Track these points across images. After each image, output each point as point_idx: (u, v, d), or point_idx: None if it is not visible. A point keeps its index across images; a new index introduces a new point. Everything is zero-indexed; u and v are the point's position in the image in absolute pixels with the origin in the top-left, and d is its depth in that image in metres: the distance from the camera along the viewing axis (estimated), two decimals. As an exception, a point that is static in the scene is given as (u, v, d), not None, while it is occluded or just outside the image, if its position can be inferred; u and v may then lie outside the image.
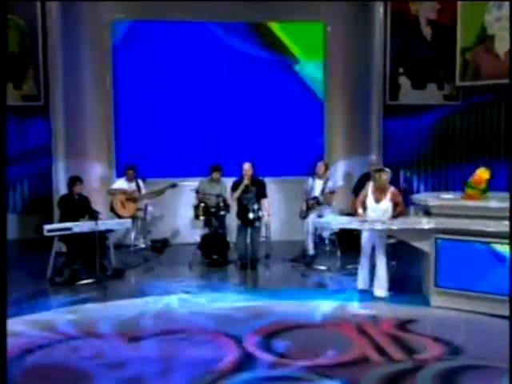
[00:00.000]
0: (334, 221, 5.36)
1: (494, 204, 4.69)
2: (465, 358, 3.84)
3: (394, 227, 4.94)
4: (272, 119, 8.36)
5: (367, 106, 8.15)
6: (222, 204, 6.91)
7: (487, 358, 3.76)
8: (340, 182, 8.12)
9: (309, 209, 6.67)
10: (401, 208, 5.20)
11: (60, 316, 4.81)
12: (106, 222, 6.15)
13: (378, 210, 5.22)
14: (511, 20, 7.00)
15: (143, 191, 7.32)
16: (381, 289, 5.25)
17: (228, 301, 5.23)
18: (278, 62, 8.31)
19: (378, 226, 5.00)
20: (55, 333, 4.39)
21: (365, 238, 5.37)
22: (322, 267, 6.53)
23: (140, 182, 7.37)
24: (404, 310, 4.87)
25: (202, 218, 7.03)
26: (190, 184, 7.77)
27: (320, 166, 6.94)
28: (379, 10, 8.06)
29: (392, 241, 5.47)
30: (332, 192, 6.78)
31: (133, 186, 7.29)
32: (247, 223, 6.50)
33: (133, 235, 7.35)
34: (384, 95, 8.26)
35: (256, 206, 6.47)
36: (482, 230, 4.62)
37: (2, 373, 2.97)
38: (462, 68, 8.07)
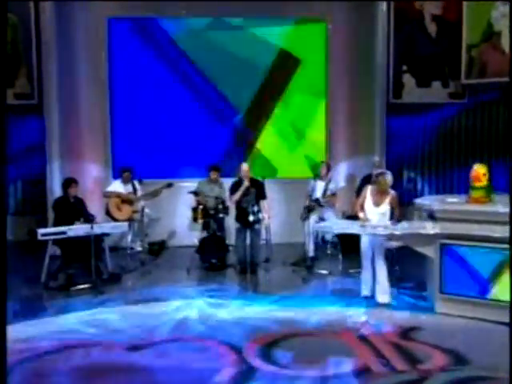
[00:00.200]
0: (335, 225, 5.33)
1: (500, 208, 4.66)
2: (471, 369, 3.82)
3: (398, 232, 4.92)
4: (272, 118, 8.34)
5: (370, 104, 8.11)
6: (220, 206, 6.90)
7: (494, 369, 3.73)
8: (342, 183, 8.12)
9: (310, 210, 6.65)
10: (398, 212, 5.22)
11: (55, 323, 4.80)
12: (101, 226, 6.13)
13: (376, 213, 5.22)
14: (511, 20, 6.97)
15: (139, 193, 7.29)
16: (383, 295, 5.24)
17: (227, 307, 5.21)
18: (278, 60, 8.27)
19: (381, 231, 4.97)
20: (50, 341, 4.37)
21: (364, 242, 5.36)
22: (324, 271, 6.51)
23: (136, 183, 7.34)
24: (408, 317, 4.87)
25: (200, 220, 7.03)
26: (188, 185, 7.78)
27: (322, 167, 6.92)
28: (382, 6, 8.02)
29: (395, 245, 5.44)
30: (333, 194, 6.76)
31: (129, 187, 7.26)
32: (247, 226, 6.49)
33: (129, 238, 7.32)
34: (387, 93, 8.23)
35: (256, 208, 6.45)
36: (488, 236, 4.60)
37: (2, 373, 3.00)
38: (468, 65, 8.02)
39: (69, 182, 6.37)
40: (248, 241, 6.46)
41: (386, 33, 8.12)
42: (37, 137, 8.14)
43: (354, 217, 5.69)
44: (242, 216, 6.50)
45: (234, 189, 6.64)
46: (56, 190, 7.70)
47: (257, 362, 3.95)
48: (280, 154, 8.35)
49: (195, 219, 7.14)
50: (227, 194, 6.90)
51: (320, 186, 6.85)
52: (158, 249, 7.77)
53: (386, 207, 5.20)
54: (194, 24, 8.16)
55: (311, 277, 6.37)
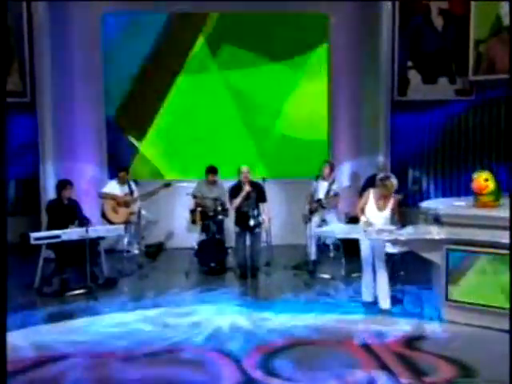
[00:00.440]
0: (337, 230, 5.31)
1: (508, 213, 4.62)
2: (479, 381, 3.80)
3: (403, 237, 4.90)
4: (273, 117, 8.31)
5: (374, 102, 8.09)
6: (219, 208, 6.88)
7: (503, 381, 3.70)
8: (346, 183, 8.09)
9: (312, 212, 6.62)
10: (398, 217, 5.23)
11: (49, 332, 4.78)
12: (96, 229, 6.11)
13: (379, 218, 5.22)
14: (511, 20, 6.93)
15: (136, 194, 7.26)
16: (384, 300, 5.24)
17: (226, 314, 5.20)
18: (279, 56, 8.23)
19: (386, 236, 4.95)
20: (44, 351, 4.36)
21: (364, 247, 5.35)
22: (326, 276, 6.50)
23: (133, 184, 7.31)
24: (412, 325, 4.84)
25: (199, 223, 7.02)
26: (186, 185, 7.77)
27: (325, 167, 6.89)
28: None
29: (400, 250, 5.42)
30: (336, 195, 6.74)
31: (125, 188, 7.22)
32: (247, 230, 6.47)
33: (126, 240, 7.31)
34: (392, 90, 8.20)
35: (256, 212, 6.43)
36: (497, 242, 4.57)
37: (2, 373, 3.04)
38: (476, 61, 7.97)
39: (63, 184, 6.34)
40: (248, 245, 6.45)
41: (390, 27, 8.08)
42: (29, 135, 8.12)
43: (356, 218, 5.67)
44: (242, 220, 6.48)
45: (233, 194, 6.60)
46: (50, 190, 7.69)
47: (257, 374, 3.93)
48: (281, 153, 8.31)
49: (193, 221, 7.13)
50: (227, 195, 6.88)
51: (323, 186, 6.83)
52: (155, 251, 7.77)
53: (388, 212, 5.21)
54: (194, 19, 8.10)
55: (313, 281, 6.35)
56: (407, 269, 5.83)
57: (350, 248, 6.59)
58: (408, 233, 4.95)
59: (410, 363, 4.07)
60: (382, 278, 5.24)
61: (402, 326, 4.82)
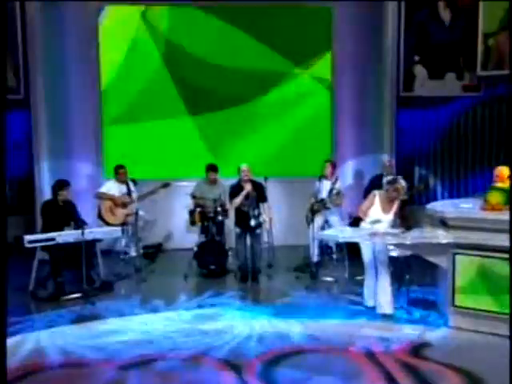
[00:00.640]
0: (340, 233, 5.28)
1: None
2: (486, 392, 3.79)
3: (408, 241, 4.86)
4: (274, 115, 8.27)
5: (379, 98, 8.08)
6: (219, 209, 6.86)
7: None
8: (350, 182, 8.07)
9: (314, 213, 6.59)
10: (400, 221, 5.25)
11: (43, 339, 4.76)
12: (93, 231, 6.08)
13: (384, 221, 5.21)
14: (511, 20, 6.88)
15: (134, 195, 7.23)
16: (387, 305, 5.19)
17: (225, 319, 5.19)
18: (281, 52, 8.18)
19: (390, 240, 4.92)
20: (37, 360, 4.35)
21: (365, 250, 5.32)
22: (329, 278, 6.49)
23: (131, 184, 7.28)
24: (418, 332, 4.80)
25: (198, 223, 7.01)
26: (185, 184, 7.76)
27: (327, 167, 6.86)
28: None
29: (403, 253, 5.40)
30: (338, 193, 6.70)
31: (123, 188, 7.19)
32: (247, 230, 6.44)
33: (123, 242, 7.30)
34: (397, 86, 8.17)
35: (257, 212, 6.41)
36: (505, 246, 4.54)
37: (2, 373, 3.03)
38: (484, 55, 7.93)
39: (61, 185, 6.30)
40: (249, 246, 6.43)
41: (396, 20, 8.04)
42: (23, 133, 8.09)
43: (360, 219, 5.64)
44: (242, 220, 6.46)
45: (234, 193, 6.57)
46: (45, 189, 7.70)
47: (257, 384, 3.93)
48: (283, 151, 8.28)
49: (193, 223, 7.11)
50: (227, 195, 6.85)
51: (326, 186, 6.81)
52: (153, 252, 7.76)
53: (392, 215, 5.23)
54: (193, 12, 8.04)
55: (315, 285, 6.34)
56: (412, 272, 5.81)
57: (353, 250, 6.53)
58: (413, 236, 4.91)
59: (415, 372, 4.05)
60: (385, 282, 5.20)
61: (407, 333, 4.80)
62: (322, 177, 6.83)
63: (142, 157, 8.10)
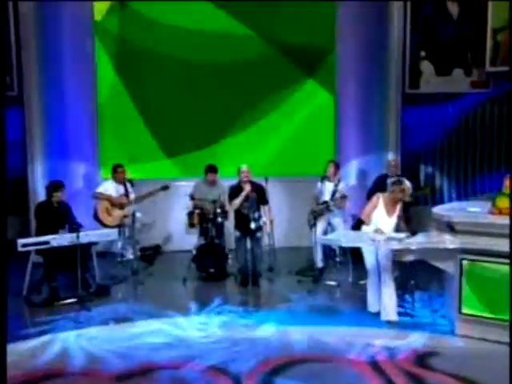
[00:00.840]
0: (343, 237, 5.26)
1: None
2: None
3: (413, 246, 4.84)
4: (275, 113, 8.22)
5: (384, 95, 8.02)
6: (219, 210, 6.84)
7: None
8: (353, 182, 8.04)
9: (317, 216, 6.57)
10: (404, 223, 5.27)
11: (36, 347, 4.75)
12: (88, 234, 6.07)
13: (389, 224, 5.21)
14: (510, 20, 6.88)
15: (132, 196, 7.21)
16: (390, 312, 5.20)
17: (224, 326, 5.17)
18: (282, 51, 8.15)
19: (395, 245, 4.90)
20: (29, 370, 4.33)
21: (368, 254, 5.31)
22: (332, 283, 6.47)
23: (129, 185, 7.26)
24: (424, 340, 4.78)
25: (197, 226, 6.99)
26: (184, 184, 7.74)
27: (329, 167, 6.83)
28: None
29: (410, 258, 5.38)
30: (343, 197, 6.68)
31: (121, 189, 7.17)
32: (248, 233, 6.43)
33: (120, 244, 7.29)
34: (403, 83, 8.09)
35: (257, 215, 6.39)
36: (513, 252, 4.51)
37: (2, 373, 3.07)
38: (493, 51, 7.86)
39: (56, 186, 6.28)
40: (249, 250, 6.41)
41: (402, 14, 7.97)
42: (17, 131, 8.04)
43: (363, 221, 5.63)
44: (242, 223, 6.44)
45: (233, 194, 6.55)
46: (38, 190, 7.69)
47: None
48: (284, 150, 8.24)
49: (191, 225, 7.09)
50: (227, 196, 6.83)
51: (328, 187, 6.77)
52: (151, 254, 7.75)
53: (396, 218, 5.23)
54: (191, 5, 7.97)
55: (318, 289, 6.32)
56: (417, 278, 5.79)
57: (357, 253, 6.50)
58: (419, 241, 4.89)
59: (420, 383, 4.04)
60: (389, 288, 5.19)
61: (412, 341, 4.78)
62: (324, 178, 6.79)
63: (139, 156, 8.08)
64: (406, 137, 8.19)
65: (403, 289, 5.63)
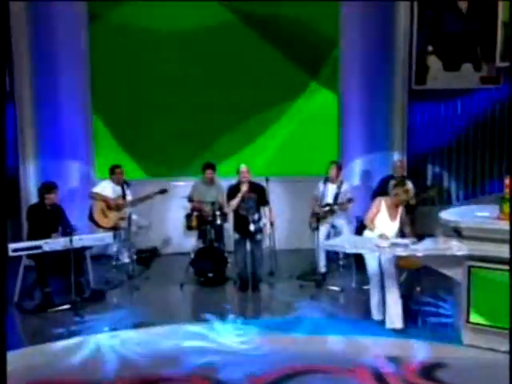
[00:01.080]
0: (347, 243, 5.23)
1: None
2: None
3: (419, 253, 4.81)
4: (278, 112, 8.19)
5: (389, 91, 7.99)
6: (218, 212, 6.81)
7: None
8: (356, 182, 8.01)
9: (319, 219, 6.53)
10: (409, 228, 5.24)
11: (28, 358, 4.73)
12: (82, 238, 6.04)
13: (392, 228, 5.20)
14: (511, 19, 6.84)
15: (129, 198, 7.17)
16: (395, 319, 5.16)
17: (222, 334, 5.13)
18: (284, 46, 8.11)
19: (400, 252, 4.87)
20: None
21: (370, 261, 5.29)
22: (335, 288, 6.44)
23: (125, 186, 7.23)
24: (430, 350, 4.74)
25: (195, 228, 6.97)
26: (181, 184, 7.72)
27: (332, 168, 6.79)
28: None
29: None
30: (350, 200, 6.64)
31: (118, 190, 7.13)
32: (247, 236, 6.40)
33: (115, 248, 7.27)
34: (409, 78, 8.06)
35: (257, 217, 6.36)
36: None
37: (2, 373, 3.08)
38: (504, 45, 7.81)
39: (48, 188, 6.25)
40: (249, 254, 6.39)
41: (408, 7, 7.91)
42: (8, 129, 8.02)
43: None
44: (241, 225, 6.41)
45: (231, 194, 6.52)
46: (31, 190, 7.67)
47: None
48: (286, 150, 8.22)
49: (189, 227, 7.07)
50: (225, 197, 6.80)
51: (331, 189, 6.74)
52: (148, 257, 7.73)
53: (398, 221, 5.22)
54: (189, 4, 7.93)
55: (321, 294, 6.29)
56: (424, 283, 5.76)
57: (361, 256, 6.48)
58: (425, 248, 4.85)
59: (427, 398, 4.04)
60: (394, 295, 5.16)
61: (418, 351, 4.73)
62: (327, 179, 6.74)
63: (134, 155, 8.06)
64: (412, 135, 8.17)
65: (409, 296, 5.60)
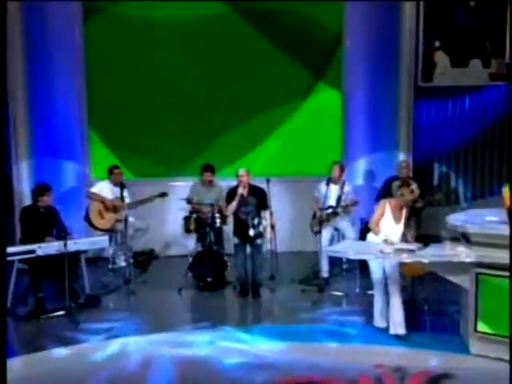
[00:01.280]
0: (350, 249, 5.19)
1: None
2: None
3: (426, 260, 4.76)
4: (280, 111, 8.15)
5: (394, 88, 7.94)
6: (217, 214, 6.78)
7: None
8: (360, 182, 7.97)
9: (321, 222, 6.49)
10: (413, 232, 5.27)
11: (19, 368, 4.68)
12: (77, 242, 6.02)
13: (397, 232, 5.17)
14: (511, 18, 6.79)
15: (127, 200, 7.14)
16: (398, 326, 5.13)
17: (221, 343, 5.08)
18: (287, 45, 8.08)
19: (405, 258, 4.82)
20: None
21: (374, 266, 5.26)
22: (338, 293, 6.40)
23: (123, 188, 7.20)
24: (437, 359, 4.72)
25: (193, 231, 6.93)
26: (180, 184, 7.68)
27: (334, 169, 6.75)
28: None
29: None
30: (355, 203, 6.60)
31: (116, 191, 7.09)
32: (247, 241, 6.37)
33: (111, 250, 7.24)
34: (415, 75, 8.00)
35: (257, 221, 6.32)
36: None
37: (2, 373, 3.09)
38: (514, 41, 7.79)
39: (42, 190, 6.21)
40: (249, 259, 6.37)
41: (414, 4, 7.84)
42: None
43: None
44: (240, 230, 6.38)
45: (229, 197, 6.49)
46: (24, 191, 7.65)
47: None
48: (287, 149, 8.18)
49: (188, 230, 7.03)
50: (225, 198, 6.77)
51: (333, 190, 6.70)
52: (145, 260, 7.71)
53: (402, 224, 5.18)
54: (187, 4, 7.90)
55: (323, 300, 6.25)
56: (428, 291, 5.72)
57: (364, 261, 6.47)
58: (431, 254, 4.80)
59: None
60: (397, 300, 5.13)
61: (424, 361, 4.69)
62: (329, 180, 6.70)
63: (131, 155, 8.03)
64: (418, 134, 8.12)
65: (414, 303, 5.56)
